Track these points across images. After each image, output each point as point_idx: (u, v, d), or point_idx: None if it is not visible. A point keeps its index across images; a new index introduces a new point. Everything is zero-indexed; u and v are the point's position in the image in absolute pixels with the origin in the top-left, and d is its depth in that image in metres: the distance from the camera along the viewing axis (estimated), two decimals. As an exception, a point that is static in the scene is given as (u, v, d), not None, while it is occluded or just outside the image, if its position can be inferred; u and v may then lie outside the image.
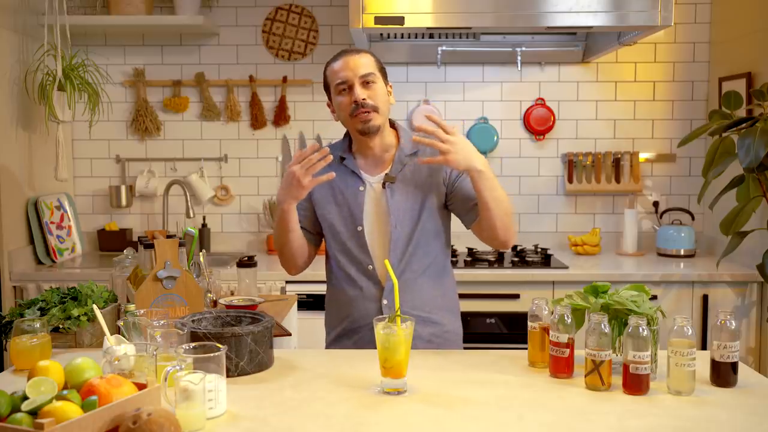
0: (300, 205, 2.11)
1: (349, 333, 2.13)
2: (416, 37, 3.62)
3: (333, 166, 2.01)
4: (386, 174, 2.08)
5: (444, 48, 3.65)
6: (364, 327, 2.08)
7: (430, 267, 2.11)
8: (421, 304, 2.09)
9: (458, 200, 2.09)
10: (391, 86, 2.12)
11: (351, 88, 2.02)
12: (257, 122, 3.81)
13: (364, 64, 2.03)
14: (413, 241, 2.07)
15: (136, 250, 2.26)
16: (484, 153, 3.79)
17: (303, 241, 2.13)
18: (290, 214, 2.03)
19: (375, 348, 1.67)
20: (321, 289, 3.14)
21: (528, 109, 3.81)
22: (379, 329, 1.65)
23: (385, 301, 2.06)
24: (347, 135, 2.18)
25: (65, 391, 1.37)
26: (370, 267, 2.07)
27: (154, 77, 3.82)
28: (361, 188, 2.10)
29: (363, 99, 2.00)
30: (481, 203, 1.98)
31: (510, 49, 3.66)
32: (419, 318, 2.07)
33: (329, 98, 2.13)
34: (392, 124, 2.16)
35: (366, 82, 2.02)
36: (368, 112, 2.01)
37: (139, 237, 2.32)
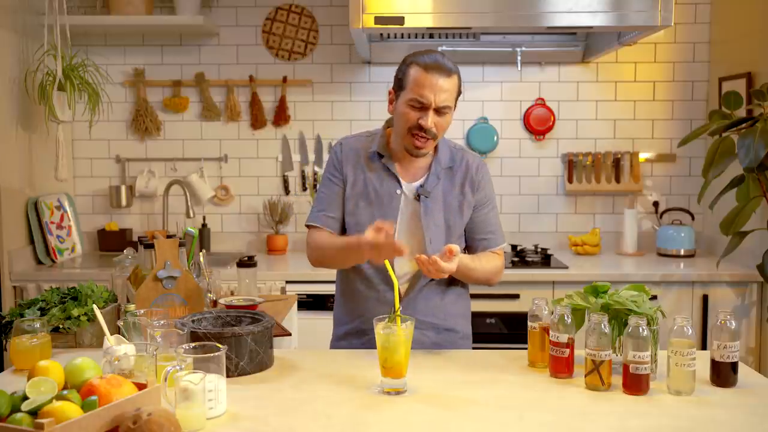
0: (332, 199, 2.09)
1: (360, 333, 2.11)
2: (416, 37, 3.62)
3: (371, 160, 2.06)
4: (421, 186, 2.05)
5: (444, 48, 3.64)
6: None
7: (451, 277, 2.07)
8: (435, 311, 2.08)
9: (469, 227, 2.10)
10: (455, 107, 2.05)
11: (424, 109, 1.95)
12: (257, 122, 3.81)
13: (447, 92, 1.95)
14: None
15: (136, 250, 2.26)
16: (484, 153, 3.80)
17: None
18: (361, 262, 2.02)
19: (377, 342, 1.67)
20: (321, 289, 3.16)
21: (528, 109, 3.81)
22: (379, 329, 1.66)
23: (400, 307, 2.01)
24: (386, 127, 2.12)
25: (65, 391, 1.37)
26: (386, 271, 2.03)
27: (154, 77, 3.82)
28: (398, 192, 2.06)
29: (430, 127, 1.95)
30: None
31: (510, 49, 3.65)
32: (434, 325, 2.08)
33: (396, 87, 2.03)
34: None
35: (440, 112, 1.97)
36: (425, 138, 1.97)
37: (139, 237, 2.32)
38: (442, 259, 1.84)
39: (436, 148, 2.09)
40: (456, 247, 1.87)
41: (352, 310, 2.14)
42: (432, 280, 2.05)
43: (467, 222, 2.10)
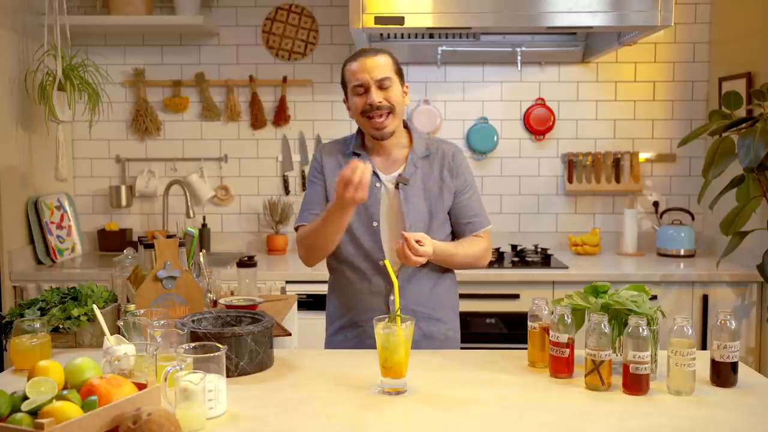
0: (317, 198, 2.15)
1: (353, 325, 2.16)
2: (416, 37, 3.62)
3: (347, 160, 2.10)
4: (399, 175, 2.11)
5: (444, 48, 3.65)
6: (368, 321, 2.10)
7: (435, 265, 2.14)
8: (425, 301, 2.13)
9: (453, 213, 2.17)
10: (407, 86, 2.14)
11: (367, 90, 2.05)
12: (257, 122, 3.81)
13: (381, 66, 2.05)
14: None
15: (136, 250, 2.26)
16: (484, 153, 3.80)
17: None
18: (344, 220, 2.00)
19: (377, 342, 1.67)
20: (321, 289, 3.14)
21: (528, 109, 3.80)
22: (379, 329, 1.65)
23: (392, 297, 2.09)
24: (360, 131, 2.20)
25: (65, 391, 1.37)
26: (381, 263, 2.08)
27: (154, 77, 3.82)
28: (378, 185, 2.12)
29: (379, 102, 2.03)
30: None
31: (510, 49, 3.65)
32: (424, 315, 2.11)
33: (345, 95, 2.15)
34: (405, 125, 2.19)
35: (382, 86, 2.04)
36: (382, 116, 2.04)
37: (139, 237, 2.32)
38: (413, 248, 1.92)
39: (411, 140, 2.17)
40: (421, 234, 1.97)
41: (344, 303, 2.19)
42: (422, 268, 2.09)
43: (451, 208, 2.15)
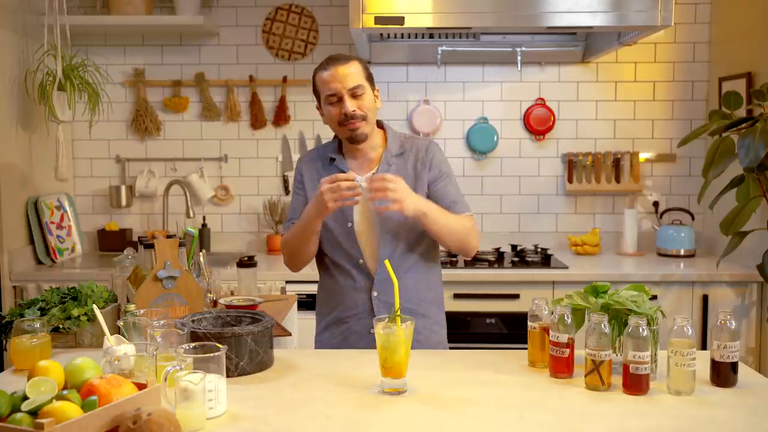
0: (300, 208, 2.18)
1: (338, 322, 2.19)
2: (416, 37, 3.62)
3: (325, 166, 2.18)
4: (373, 174, 2.13)
5: (444, 48, 3.65)
6: (353, 317, 2.15)
7: (418, 261, 2.17)
8: (409, 297, 2.13)
9: (431, 201, 2.17)
10: (378, 90, 2.17)
11: (340, 99, 2.08)
12: (257, 122, 3.81)
13: (352, 74, 2.08)
14: (402, 237, 2.13)
15: (136, 250, 2.26)
16: (484, 153, 3.81)
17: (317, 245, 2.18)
18: (316, 225, 2.08)
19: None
20: (321, 289, 3.16)
21: (528, 109, 3.81)
22: (379, 329, 1.65)
23: (375, 293, 2.13)
24: (337, 136, 2.24)
25: (65, 391, 1.37)
26: (361, 261, 2.14)
27: (154, 77, 3.82)
28: None
29: (353, 111, 2.06)
30: (432, 235, 2.10)
31: (510, 49, 3.65)
32: (407, 310, 2.12)
33: (318, 102, 2.18)
34: (380, 125, 2.23)
35: (355, 94, 2.07)
36: (356, 122, 2.08)
37: (139, 237, 2.32)
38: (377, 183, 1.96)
39: (385, 139, 2.20)
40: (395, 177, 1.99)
41: (330, 301, 2.22)
42: (406, 261, 2.12)
43: (428, 197, 2.15)
